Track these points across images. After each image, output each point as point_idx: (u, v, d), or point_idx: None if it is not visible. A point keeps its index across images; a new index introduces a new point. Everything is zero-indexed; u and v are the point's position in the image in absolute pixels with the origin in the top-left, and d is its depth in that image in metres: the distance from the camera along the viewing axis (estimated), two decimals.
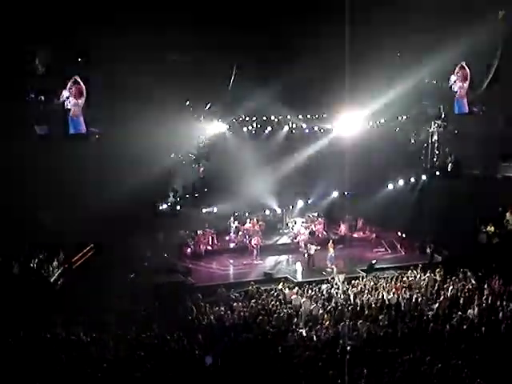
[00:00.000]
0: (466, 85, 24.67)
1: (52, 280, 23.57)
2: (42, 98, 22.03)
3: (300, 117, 30.98)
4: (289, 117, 30.85)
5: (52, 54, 21.72)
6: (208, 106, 28.15)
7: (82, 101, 21.47)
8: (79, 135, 22.47)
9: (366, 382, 16.25)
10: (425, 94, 28.69)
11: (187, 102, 27.58)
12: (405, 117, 31.13)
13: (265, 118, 30.70)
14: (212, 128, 29.56)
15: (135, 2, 22.04)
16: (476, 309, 21.42)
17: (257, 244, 29.46)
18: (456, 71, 24.40)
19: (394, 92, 27.08)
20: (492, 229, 28.73)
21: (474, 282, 24.03)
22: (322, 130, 31.92)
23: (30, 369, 16.52)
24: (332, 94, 26.70)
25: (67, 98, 21.12)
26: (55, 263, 24.02)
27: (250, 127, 30.82)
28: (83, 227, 24.38)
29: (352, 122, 30.57)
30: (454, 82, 24.23)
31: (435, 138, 31.43)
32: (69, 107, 21.26)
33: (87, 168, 24.80)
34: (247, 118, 30.41)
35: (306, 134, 31.98)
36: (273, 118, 30.81)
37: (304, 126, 31.67)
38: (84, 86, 20.99)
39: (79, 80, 20.84)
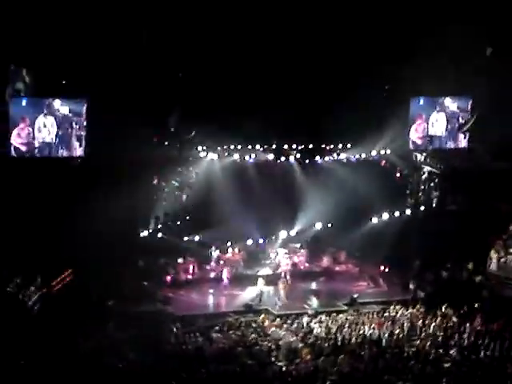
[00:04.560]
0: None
1: (29, 305, 23.10)
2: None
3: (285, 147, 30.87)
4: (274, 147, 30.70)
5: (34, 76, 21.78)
6: (193, 133, 28.06)
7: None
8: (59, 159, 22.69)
9: None
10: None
11: (172, 129, 27.55)
12: (389, 151, 31.28)
13: (250, 147, 30.45)
14: (196, 156, 29.42)
15: None
16: (457, 347, 21.31)
17: (228, 276, 29.22)
18: None
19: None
20: (471, 266, 28.49)
21: (455, 319, 23.88)
22: (307, 161, 31.81)
23: None
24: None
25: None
26: (32, 288, 23.56)
27: (236, 156, 30.54)
28: (62, 252, 24.12)
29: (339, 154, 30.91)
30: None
31: (421, 172, 31.64)
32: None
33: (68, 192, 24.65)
34: (232, 147, 30.16)
35: (291, 165, 31.75)
36: (258, 147, 30.58)
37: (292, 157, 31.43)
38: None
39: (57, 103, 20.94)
